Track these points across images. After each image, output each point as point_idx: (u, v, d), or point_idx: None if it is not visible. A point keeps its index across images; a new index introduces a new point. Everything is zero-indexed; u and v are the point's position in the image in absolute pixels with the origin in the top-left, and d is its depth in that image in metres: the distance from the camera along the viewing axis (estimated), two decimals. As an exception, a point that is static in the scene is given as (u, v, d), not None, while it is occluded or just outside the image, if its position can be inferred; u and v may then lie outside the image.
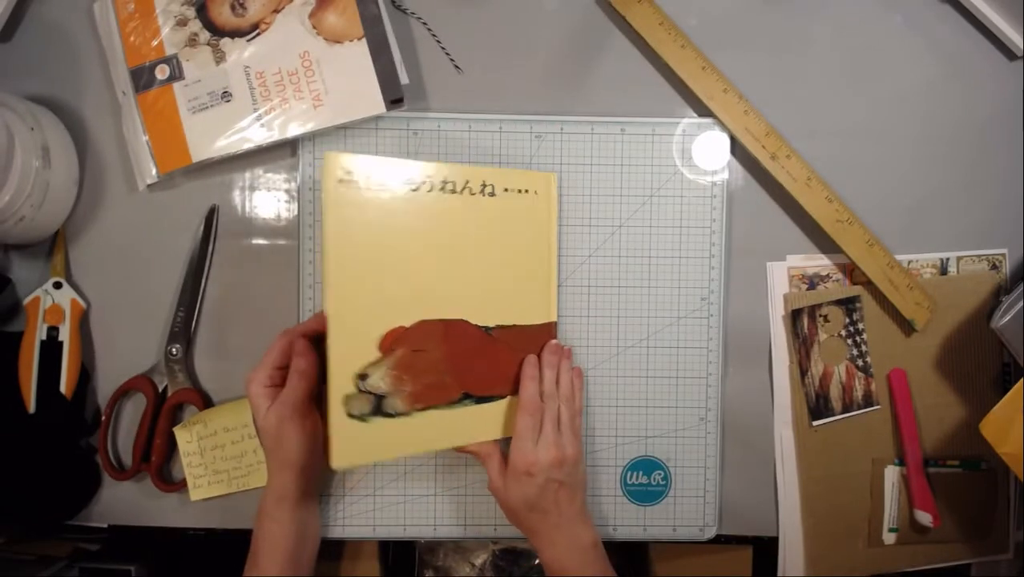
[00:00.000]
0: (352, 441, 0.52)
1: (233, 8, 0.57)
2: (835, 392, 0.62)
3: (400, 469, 0.61)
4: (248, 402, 0.54)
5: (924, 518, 0.62)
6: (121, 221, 0.60)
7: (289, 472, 0.54)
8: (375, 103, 0.57)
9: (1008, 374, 0.64)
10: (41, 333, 0.58)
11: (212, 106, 0.57)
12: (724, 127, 0.60)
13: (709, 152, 0.61)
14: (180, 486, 0.60)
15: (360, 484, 0.61)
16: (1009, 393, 0.55)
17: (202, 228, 0.60)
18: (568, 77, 0.62)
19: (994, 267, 0.63)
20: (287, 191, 0.61)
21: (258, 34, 0.57)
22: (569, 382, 0.58)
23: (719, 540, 0.63)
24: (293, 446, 0.53)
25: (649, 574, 0.74)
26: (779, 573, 0.64)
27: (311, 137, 0.59)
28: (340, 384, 0.51)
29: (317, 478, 0.57)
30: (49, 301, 0.58)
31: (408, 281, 0.54)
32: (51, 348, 0.58)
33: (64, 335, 0.58)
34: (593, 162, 0.61)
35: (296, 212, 0.61)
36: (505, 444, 0.56)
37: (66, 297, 0.58)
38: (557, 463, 0.54)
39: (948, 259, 0.63)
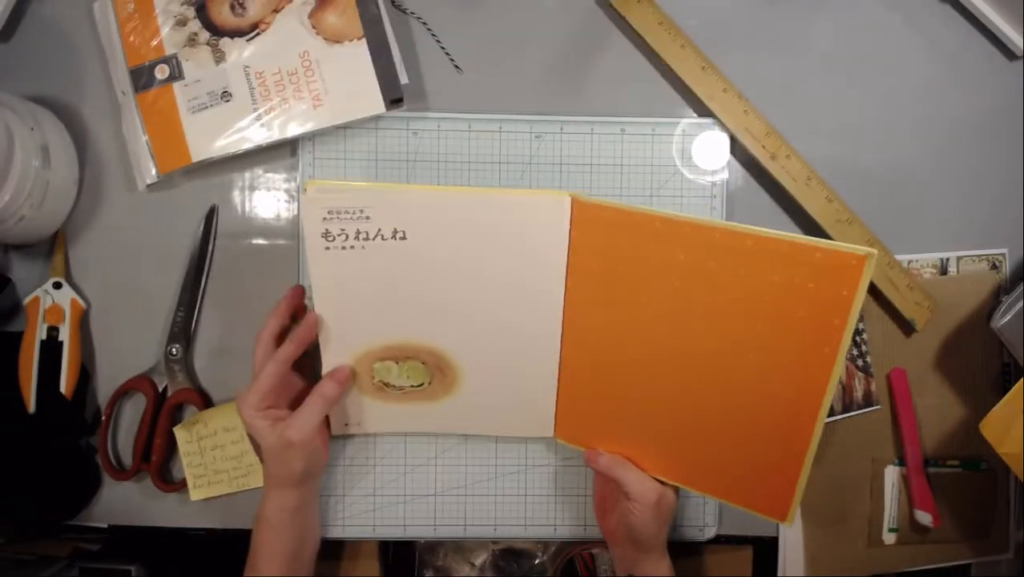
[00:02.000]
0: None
1: (233, 8, 0.57)
2: (835, 392, 0.62)
3: (400, 469, 0.61)
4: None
5: (924, 518, 0.62)
6: (121, 221, 0.60)
7: (290, 489, 0.54)
8: (375, 103, 0.57)
9: (1008, 374, 0.64)
10: (41, 333, 0.58)
11: (212, 106, 0.57)
12: (724, 127, 0.60)
13: (709, 152, 0.61)
14: (180, 486, 0.60)
15: (360, 484, 0.61)
16: (1009, 393, 0.55)
17: (202, 228, 0.60)
18: (568, 77, 0.62)
19: (994, 267, 0.63)
20: (287, 191, 0.61)
21: (258, 34, 0.57)
22: None
23: (719, 540, 0.64)
24: (299, 467, 0.53)
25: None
26: (779, 573, 0.64)
27: (311, 137, 0.59)
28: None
29: (318, 484, 0.57)
30: (49, 301, 0.58)
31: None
32: (51, 348, 0.58)
33: (64, 335, 0.58)
34: (593, 162, 0.61)
35: (296, 212, 0.61)
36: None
37: (66, 297, 0.58)
38: None
39: (948, 259, 0.63)
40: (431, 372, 0.57)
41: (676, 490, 0.55)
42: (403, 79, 0.58)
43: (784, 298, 0.46)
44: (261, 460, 0.54)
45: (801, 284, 0.45)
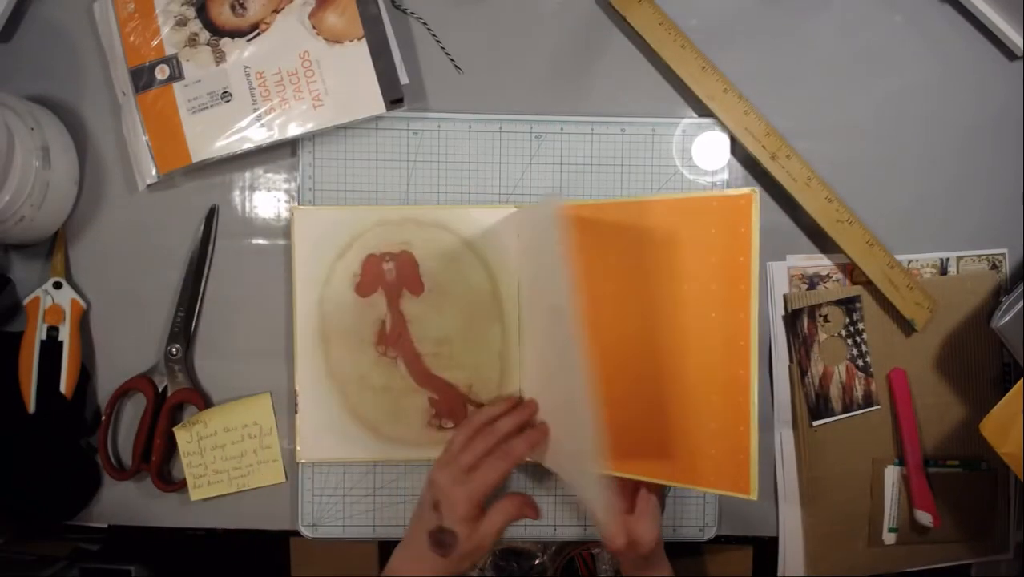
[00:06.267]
0: None
1: (233, 8, 0.57)
2: (835, 392, 0.62)
3: (400, 469, 0.61)
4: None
5: (924, 518, 0.62)
6: (121, 221, 0.60)
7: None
8: (375, 103, 0.57)
9: (1008, 374, 0.64)
10: (41, 333, 0.58)
11: (212, 106, 0.57)
12: (724, 127, 0.60)
13: (709, 152, 0.61)
14: (180, 486, 0.60)
15: (360, 484, 0.61)
16: (1009, 393, 0.55)
17: (202, 228, 0.60)
18: (568, 77, 0.62)
19: (994, 267, 0.63)
20: (287, 191, 0.61)
21: (258, 34, 0.57)
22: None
23: (719, 540, 0.63)
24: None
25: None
26: (779, 573, 0.64)
27: (311, 137, 0.59)
28: None
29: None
30: (49, 301, 0.58)
31: None
32: (51, 348, 0.58)
33: (64, 335, 0.58)
34: (593, 162, 0.61)
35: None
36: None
37: (66, 297, 0.58)
38: None
39: (948, 259, 0.63)
40: None
41: (661, 497, 0.55)
42: (403, 79, 0.58)
43: (697, 248, 0.50)
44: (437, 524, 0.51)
45: (707, 231, 0.50)
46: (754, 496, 0.48)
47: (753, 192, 0.47)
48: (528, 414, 0.56)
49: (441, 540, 0.51)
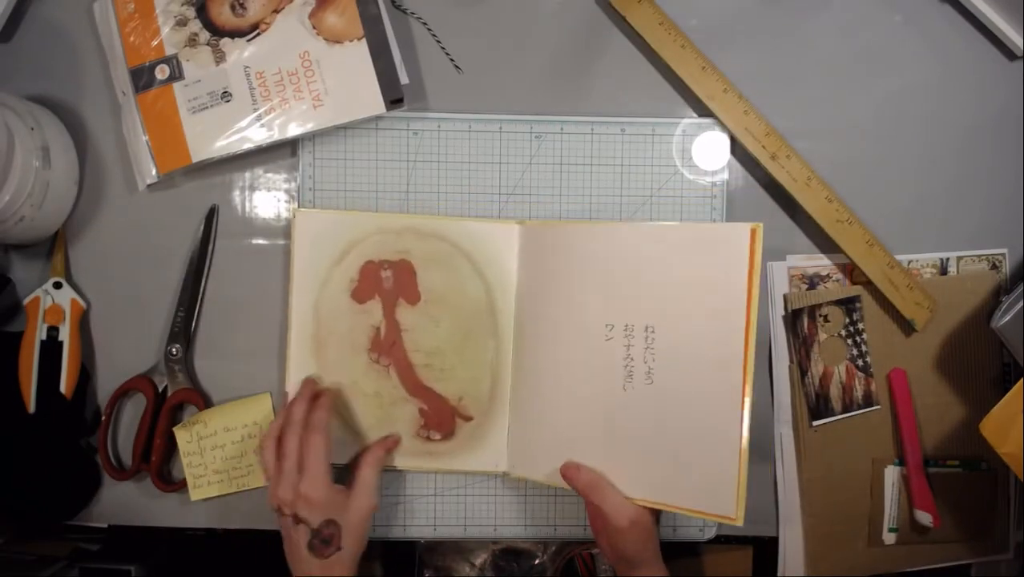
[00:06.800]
0: None
1: (233, 8, 0.57)
2: (835, 392, 0.62)
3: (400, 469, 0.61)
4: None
5: (924, 518, 0.62)
6: (121, 221, 0.60)
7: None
8: (375, 103, 0.57)
9: (1008, 374, 0.64)
10: (41, 333, 0.58)
11: (212, 106, 0.57)
12: (724, 127, 0.60)
13: (709, 152, 0.61)
14: (180, 486, 0.60)
15: (360, 484, 0.61)
16: (1009, 393, 0.55)
17: (202, 228, 0.60)
18: (568, 77, 0.62)
19: (994, 267, 0.63)
20: (287, 191, 0.61)
21: (258, 34, 0.57)
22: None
23: (719, 540, 0.64)
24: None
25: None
26: (779, 573, 0.64)
27: (311, 137, 0.59)
28: None
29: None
30: (49, 301, 0.58)
31: None
32: (51, 348, 0.58)
33: (64, 335, 0.58)
34: (593, 162, 0.61)
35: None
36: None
37: (66, 297, 0.58)
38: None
39: (948, 259, 0.63)
40: None
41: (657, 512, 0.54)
42: (403, 79, 0.58)
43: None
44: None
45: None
46: (739, 522, 0.49)
47: (759, 225, 0.49)
48: (309, 390, 0.56)
49: (324, 538, 0.50)
